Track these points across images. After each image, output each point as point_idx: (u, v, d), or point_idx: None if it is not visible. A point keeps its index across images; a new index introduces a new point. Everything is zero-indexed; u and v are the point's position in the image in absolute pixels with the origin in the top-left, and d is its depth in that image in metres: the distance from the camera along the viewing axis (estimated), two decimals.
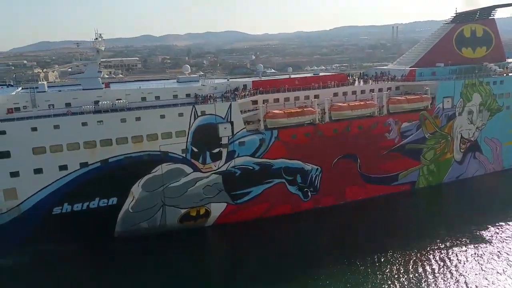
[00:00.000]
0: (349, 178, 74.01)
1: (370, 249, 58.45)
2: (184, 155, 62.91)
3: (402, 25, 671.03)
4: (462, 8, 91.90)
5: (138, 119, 60.14)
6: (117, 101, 60.64)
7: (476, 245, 59.56)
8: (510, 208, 71.98)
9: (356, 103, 73.59)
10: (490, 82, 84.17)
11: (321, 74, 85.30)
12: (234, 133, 64.90)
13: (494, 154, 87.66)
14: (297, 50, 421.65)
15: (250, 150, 66.20)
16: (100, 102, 60.12)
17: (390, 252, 57.84)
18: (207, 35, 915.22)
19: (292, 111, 69.02)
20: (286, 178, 69.46)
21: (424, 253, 57.70)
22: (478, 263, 55.01)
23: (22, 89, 65.62)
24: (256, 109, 68.28)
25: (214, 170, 64.77)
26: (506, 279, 51.47)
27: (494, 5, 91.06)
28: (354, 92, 77.49)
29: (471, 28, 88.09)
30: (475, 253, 57.33)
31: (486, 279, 51.62)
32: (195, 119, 62.79)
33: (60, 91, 65.46)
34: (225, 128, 64.14)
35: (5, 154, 55.07)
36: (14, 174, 55.83)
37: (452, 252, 57.71)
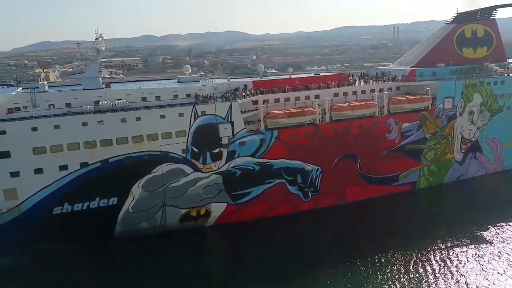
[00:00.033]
0: (350, 178, 73.93)
1: (371, 250, 58.37)
2: (184, 155, 62.87)
3: (403, 25, 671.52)
4: (463, 8, 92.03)
5: (138, 119, 60.12)
6: (117, 101, 60.60)
7: (477, 245, 59.47)
8: (511, 208, 71.84)
9: (357, 103, 73.52)
10: (491, 82, 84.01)
11: (321, 74, 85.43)
12: (235, 133, 64.86)
13: (495, 154, 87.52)
14: (298, 50, 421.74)
15: (251, 150, 66.15)
16: (101, 102, 60.10)
17: (391, 252, 57.77)
18: (208, 35, 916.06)
19: (293, 111, 68.98)
20: (286, 178, 69.41)
21: (424, 253, 57.63)
22: (479, 263, 54.92)
23: (22, 89, 65.60)
24: (257, 109, 68.24)
25: (215, 170, 64.73)
26: (506, 279, 51.38)
27: (495, 5, 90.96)
28: (354, 92, 77.41)
29: (472, 28, 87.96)
30: (475, 254, 57.24)
31: (487, 279, 51.52)
32: (195, 119, 62.76)
33: (60, 91, 65.44)
34: (225, 128, 64.11)
35: (5, 154, 55.06)
36: (14, 174, 55.82)
37: (453, 253, 57.63)
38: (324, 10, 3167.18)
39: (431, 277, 52.19)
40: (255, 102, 69.21)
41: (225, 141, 64.44)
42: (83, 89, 63.63)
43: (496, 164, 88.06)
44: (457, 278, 51.84)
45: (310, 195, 71.93)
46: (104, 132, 58.78)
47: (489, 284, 50.58)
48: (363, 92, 78.23)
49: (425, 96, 78.32)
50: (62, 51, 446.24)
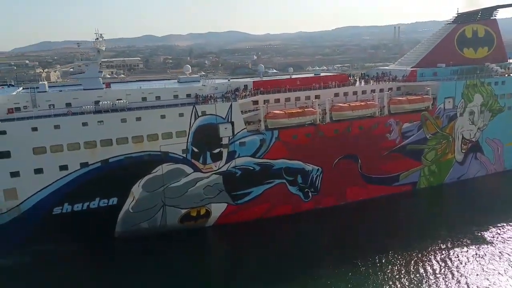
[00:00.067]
0: (350, 178, 73.87)
1: (371, 250, 58.26)
2: (184, 155, 62.84)
3: (404, 26, 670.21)
4: (463, 9, 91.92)
5: (138, 119, 60.11)
6: (117, 101, 60.59)
7: (478, 245, 59.36)
8: None
9: (357, 104, 73.48)
10: (491, 82, 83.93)
11: (322, 74, 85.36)
12: (235, 133, 64.81)
13: (496, 154, 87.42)
14: (299, 50, 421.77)
15: (251, 150, 66.11)
16: (101, 102, 60.08)
17: (391, 252, 57.66)
18: (209, 35, 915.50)
19: (293, 111, 68.94)
20: (286, 179, 69.35)
21: (425, 253, 57.54)
22: (480, 264, 54.80)
23: (22, 89, 65.62)
24: (257, 110, 68.19)
25: (215, 171, 64.69)
26: (507, 280, 51.27)
27: (496, 6, 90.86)
28: (355, 93, 77.37)
29: (472, 28, 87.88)
30: (476, 254, 57.13)
31: (488, 279, 51.41)
32: (195, 119, 62.72)
33: (60, 91, 65.45)
34: (225, 128, 64.07)
35: (5, 154, 55.06)
36: (15, 174, 55.82)
37: (453, 253, 57.54)
38: (324, 10, 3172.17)
39: (431, 277, 52.10)
40: (256, 102, 69.16)
41: (225, 141, 64.39)
42: (83, 89, 63.63)
43: (497, 164, 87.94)
44: (457, 279, 51.75)
45: (311, 195, 71.86)
46: (104, 132, 58.75)
47: (489, 285, 50.47)
48: (364, 92, 78.17)
49: (426, 96, 78.24)
50: (63, 51, 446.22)
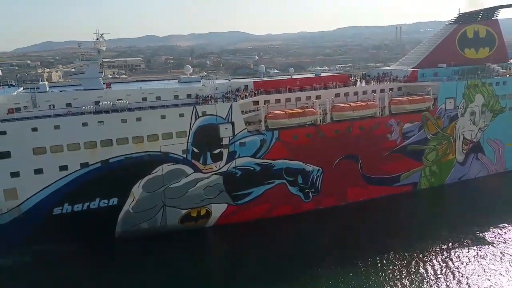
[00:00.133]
0: (351, 179, 73.74)
1: (372, 250, 58.16)
2: (184, 155, 62.76)
3: (405, 26, 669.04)
4: (465, 9, 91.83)
5: (138, 119, 60.06)
6: (117, 102, 60.52)
7: (478, 246, 59.24)
8: None
9: (358, 104, 73.33)
10: (493, 83, 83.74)
11: (322, 74, 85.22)
12: (235, 133, 64.73)
13: (497, 155, 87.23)
14: (301, 51, 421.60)
15: (251, 150, 66.03)
16: (101, 103, 60.02)
17: (392, 253, 57.56)
18: (210, 36, 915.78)
19: (293, 111, 68.81)
20: (287, 179, 69.25)
21: (426, 254, 57.43)
22: (481, 264, 54.70)
23: (23, 89, 65.63)
24: (257, 110, 68.09)
25: (215, 171, 64.62)
26: (508, 280, 51.15)
27: (498, 6, 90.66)
28: (355, 93, 77.24)
29: (474, 28, 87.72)
30: (477, 254, 57.02)
31: (489, 280, 51.31)
32: (196, 119, 62.66)
33: (61, 91, 65.40)
34: (226, 128, 64.00)
35: (5, 154, 55.04)
36: (15, 174, 55.80)
37: (454, 253, 57.43)
38: (324, 10, 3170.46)
39: (432, 277, 52.00)
40: (256, 103, 69.04)
41: (225, 141, 64.32)
42: (84, 90, 63.60)
43: (498, 165, 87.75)
44: (458, 279, 51.64)
45: (311, 196, 71.74)
46: (104, 133, 58.71)
47: (490, 285, 50.36)
48: (364, 92, 78.04)
49: (427, 96, 78.07)
50: (65, 51, 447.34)
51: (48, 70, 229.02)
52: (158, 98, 63.90)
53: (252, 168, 66.48)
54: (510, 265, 54.22)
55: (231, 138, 64.54)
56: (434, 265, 54.76)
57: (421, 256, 56.99)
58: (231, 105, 64.27)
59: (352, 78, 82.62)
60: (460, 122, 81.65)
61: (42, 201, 57.40)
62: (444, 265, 54.68)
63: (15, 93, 61.68)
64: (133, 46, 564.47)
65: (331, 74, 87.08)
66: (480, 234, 62.53)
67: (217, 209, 66.19)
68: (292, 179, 69.62)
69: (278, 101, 71.43)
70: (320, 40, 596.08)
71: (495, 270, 53.34)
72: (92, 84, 63.81)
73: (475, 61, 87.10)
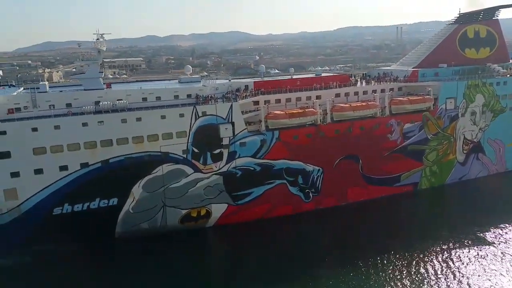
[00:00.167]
0: (351, 179, 73.69)
1: (372, 250, 58.11)
2: (185, 155, 62.74)
3: (406, 26, 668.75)
4: (465, 9, 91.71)
5: (138, 119, 60.04)
6: (118, 102, 60.51)
7: (479, 246, 59.18)
8: None
9: (358, 104, 73.28)
10: (493, 83, 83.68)
11: (323, 74, 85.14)
12: (235, 133, 64.69)
13: (497, 155, 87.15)
14: (301, 51, 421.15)
15: (251, 151, 65.98)
16: (101, 103, 60.00)
17: (392, 253, 57.51)
18: (211, 36, 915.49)
19: (294, 111, 68.75)
20: (287, 179, 69.20)
21: (426, 254, 57.38)
22: (481, 264, 54.64)
23: (23, 89, 65.64)
24: (258, 110, 68.03)
25: (215, 171, 64.58)
26: (509, 280, 51.09)
27: (498, 6, 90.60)
28: (356, 93, 77.16)
29: (474, 28, 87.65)
30: (478, 255, 56.96)
31: (489, 280, 51.25)
32: (196, 119, 62.63)
33: (61, 91, 65.40)
34: (226, 128, 63.96)
35: (5, 154, 55.04)
36: (15, 175, 55.80)
37: (455, 254, 57.36)
38: (325, 10, 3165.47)
39: (433, 278, 51.96)
40: (256, 103, 68.98)
41: (225, 141, 64.28)
42: (84, 90, 63.60)
43: (499, 165, 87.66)
44: (459, 279, 51.58)
45: (311, 196, 71.69)
46: (104, 133, 58.70)
47: (491, 285, 50.30)
48: (365, 92, 77.96)
49: (427, 96, 77.99)
50: (66, 51, 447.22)
51: (49, 70, 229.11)
52: (158, 98, 63.88)
53: (252, 168, 66.44)
54: (511, 265, 54.15)
55: (231, 138, 64.50)
56: (434, 265, 54.71)
57: (421, 256, 56.93)
58: (231, 105, 64.23)
59: (353, 78, 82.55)
60: (460, 122, 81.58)
61: (42, 201, 57.39)
62: (444, 265, 54.62)
63: (15, 93, 61.70)
64: (134, 46, 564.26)
65: (332, 74, 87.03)
66: (481, 234, 62.47)
67: (217, 209, 66.15)
68: (293, 179, 69.57)
69: (278, 101, 71.36)
70: (321, 40, 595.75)
71: (495, 270, 53.26)
72: (92, 84, 63.81)
73: (475, 61, 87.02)
